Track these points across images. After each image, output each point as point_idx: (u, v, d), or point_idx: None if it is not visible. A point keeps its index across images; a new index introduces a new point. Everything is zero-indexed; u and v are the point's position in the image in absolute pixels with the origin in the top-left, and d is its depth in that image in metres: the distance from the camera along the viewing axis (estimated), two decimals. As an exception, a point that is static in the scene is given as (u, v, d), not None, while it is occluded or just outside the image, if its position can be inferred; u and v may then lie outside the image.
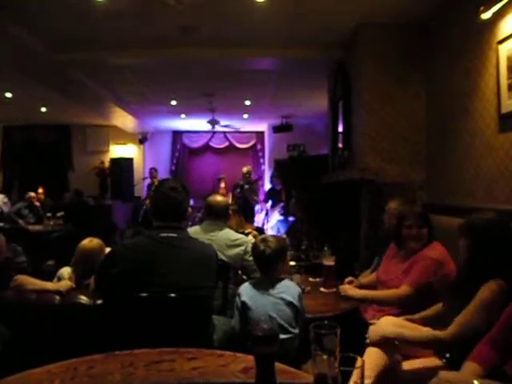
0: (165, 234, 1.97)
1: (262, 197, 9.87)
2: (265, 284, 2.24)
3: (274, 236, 2.48)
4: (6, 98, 6.96)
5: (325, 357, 1.22)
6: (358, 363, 1.09)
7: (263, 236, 2.41)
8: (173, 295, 1.86)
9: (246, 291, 2.25)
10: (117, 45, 4.89)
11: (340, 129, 5.09)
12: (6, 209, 7.55)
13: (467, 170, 3.38)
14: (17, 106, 7.71)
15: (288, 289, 2.22)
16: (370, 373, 1.80)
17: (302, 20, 4.19)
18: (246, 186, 8.07)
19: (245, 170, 8.16)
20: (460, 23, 3.47)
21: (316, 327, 1.21)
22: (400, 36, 4.18)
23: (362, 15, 4.06)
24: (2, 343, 2.29)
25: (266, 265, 2.28)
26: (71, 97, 6.91)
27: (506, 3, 2.73)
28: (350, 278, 2.92)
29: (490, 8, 2.80)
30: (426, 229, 2.51)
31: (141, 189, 9.87)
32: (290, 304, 2.16)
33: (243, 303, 2.20)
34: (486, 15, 2.78)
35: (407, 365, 1.88)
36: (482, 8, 2.86)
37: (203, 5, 3.83)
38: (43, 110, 8.26)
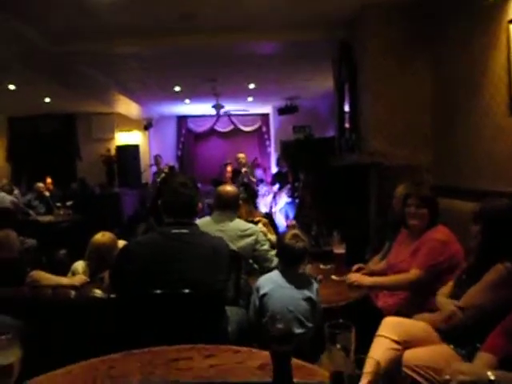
0: (176, 231, 1.99)
1: (268, 179, 9.87)
2: (286, 278, 2.25)
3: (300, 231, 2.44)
4: (10, 90, 6.94)
5: (341, 354, 1.25)
6: (372, 365, 1.10)
7: (294, 231, 2.37)
8: (186, 291, 1.88)
9: (266, 283, 2.26)
10: (118, 34, 4.86)
11: (346, 108, 5.04)
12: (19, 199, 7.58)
13: (476, 151, 3.35)
14: (20, 97, 7.69)
15: (308, 284, 2.24)
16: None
17: (304, 1, 4.11)
18: (244, 169, 8.20)
19: (241, 156, 8.48)
20: (469, 3, 3.38)
21: (331, 326, 1.22)
22: (405, 16, 4.09)
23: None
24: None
25: (293, 260, 2.27)
26: (74, 87, 6.89)
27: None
28: (358, 266, 2.93)
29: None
30: (425, 209, 2.53)
31: (148, 176, 9.90)
32: (308, 299, 2.18)
33: (263, 295, 2.22)
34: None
35: (411, 353, 1.90)
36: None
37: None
38: (47, 100, 8.24)
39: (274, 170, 10.35)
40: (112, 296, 2.37)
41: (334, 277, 2.80)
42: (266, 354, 1.42)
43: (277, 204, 8.39)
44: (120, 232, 5.41)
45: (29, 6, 3.97)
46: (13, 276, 2.71)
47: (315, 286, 2.26)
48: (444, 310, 1.96)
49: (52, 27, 4.58)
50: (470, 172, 3.43)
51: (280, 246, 2.34)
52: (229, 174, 8.58)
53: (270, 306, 2.18)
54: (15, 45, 4.64)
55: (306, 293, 2.19)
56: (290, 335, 1.21)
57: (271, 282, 2.25)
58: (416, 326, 2.03)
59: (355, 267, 2.91)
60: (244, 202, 3.36)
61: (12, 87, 6.84)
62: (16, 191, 7.92)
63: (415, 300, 2.42)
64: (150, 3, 4.01)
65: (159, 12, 4.26)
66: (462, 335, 1.83)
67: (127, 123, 10.47)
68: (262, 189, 8.98)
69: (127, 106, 9.08)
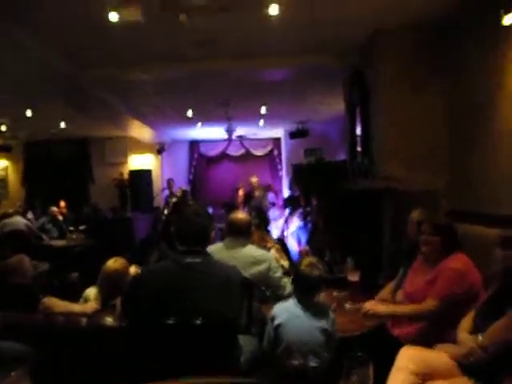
0: (190, 260, 1.97)
1: (280, 203, 9.85)
2: (302, 307, 2.20)
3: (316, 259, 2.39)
4: (27, 116, 7.08)
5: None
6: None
7: (310, 259, 2.33)
8: (199, 321, 1.85)
9: (281, 312, 2.22)
10: (133, 61, 4.98)
11: (358, 131, 5.05)
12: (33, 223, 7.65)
13: (494, 175, 3.30)
14: (37, 122, 7.84)
15: (324, 314, 2.20)
16: None
17: (317, 29, 4.17)
18: (257, 193, 8.22)
19: (253, 180, 8.57)
20: (486, 22, 3.37)
21: (348, 360, 1.19)
22: (419, 40, 4.13)
23: (378, 21, 4.03)
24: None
25: (309, 289, 2.24)
26: (89, 112, 6.99)
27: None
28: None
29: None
30: (437, 237, 2.47)
31: (160, 200, 9.94)
32: (324, 330, 2.13)
33: (278, 325, 2.17)
34: (507, 20, 2.71)
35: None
36: (502, 11, 2.79)
37: (218, 19, 3.85)
38: (62, 125, 8.38)
39: (286, 193, 10.34)
40: (123, 324, 2.35)
41: (348, 305, 2.74)
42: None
43: (288, 228, 8.35)
44: (132, 256, 5.40)
45: (46, 33, 4.09)
46: (25, 302, 2.71)
47: (331, 316, 2.21)
48: (465, 347, 1.89)
49: (68, 54, 4.70)
50: (488, 196, 3.37)
51: (295, 274, 2.30)
52: (240, 198, 8.60)
53: (285, 336, 2.13)
54: (33, 71, 4.75)
55: (322, 324, 2.14)
56: (306, 373, 1.18)
57: (286, 312, 2.20)
58: (436, 357, 1.96)
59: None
60: (256, 228, 3.34)
61: (29, 113, 6.99)
62: (30, 215, 8.01)
63: (432, 330, 2.34)
64: (164, 31, 4.10)
65: (173, 39, 4.35)
66: (483, 369, 1.76)
67: (140, 147, 10.58)
68: (274, 213, 8.96)
69: (140, 130, 9.20)
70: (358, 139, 5.04)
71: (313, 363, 1.99)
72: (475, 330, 1.94)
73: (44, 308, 2.63)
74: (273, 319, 2.21)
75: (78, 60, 4.91)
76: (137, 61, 5.00)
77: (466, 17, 3.72)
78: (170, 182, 9.29)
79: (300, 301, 2.24)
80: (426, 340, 2.21)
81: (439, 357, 1.95)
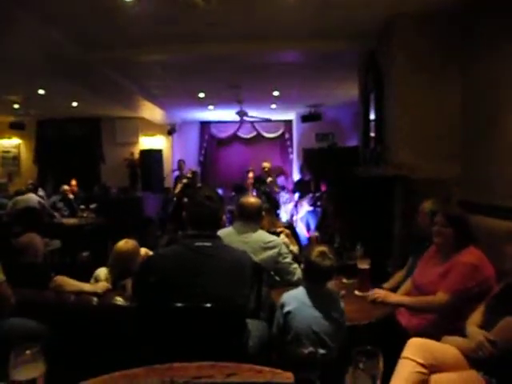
0: (200, 243, 1.98)
1: (290, 186, 9.83)
2: (311, 296, 2.19)
3: (328, 247, 2.32)
4: (39, 94, 7.10)
5: (365, 377, 1.21)
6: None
7: (321, 248, 2.26)
8: (208, 305, 1.86)
9: (290, 300, 2.20)
10: (144, 42, 4.92)
11: (372, 117, 4.98)
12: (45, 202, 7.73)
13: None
14: (49, 101, 7.88)
15: (333, 303, 2.19)
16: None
17: (331, 12, 4.08)
18: (269, 179, 8.19)
19: (266, 165, 8.59)
20: (503, 10, 3.29)
21: (358, 353, 1.19)
22: (434, 26, 4.02)
23: (394, 5, 3.92)
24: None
25: (319, 278, 2.21)
26: (100, 92, 7.00)
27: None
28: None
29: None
30: (450, 229, 2.42)
31: (171, 180, 9.98)
32: (333, 319, 2.13)
33: (287, 313, 2.17)
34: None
35: (438, 378, 1.83)
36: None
37: (230, 1, 3.79)
38: (74, 104, 8.41)
39: (296, 177, 10.32)
40: (133, 304, 2.38)
41: (357, 292, 2.74)
42: (289, 375, 1.39)
43: (298, 212, 8.35)
44: (140, 236, 5.44)
45: (58, 14, 4.05)
46: (37, 280, 2.75)
47: (341, 305, 2.20)
48: (473, 341, 1.88)
49: (80, 35, 4.67)
50: (505, 187, 3.30)
51: (306, 263, 2.27)
52: (250, 181, 8.58)
53: (294, 324, 2.13)
54: (45, 51, 4.73)
55: (332, 313, 2.13)
56: (315, 362, 1.18)
57: (296, 300, 2.19)
58: (444, 349, 1.94)
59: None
60: (267, 213, 3.33)
61: (41, 92, 7.01)
62: (41, 193, 8.08)
63: (441, 322, 2.32)
64: (176, 13, 4.04)
65: (185, 21, 4.28)
66: (492, 363, 1.76)
67: (151, 128, 10.58)
68: (283, 196, 8.95)
69: (151, 111, 9.18)
70: (372, 126, 4.98)
71: (322, 351, 2.00)
72: (485, 324, 1.92)
73: (55, 286, 2.67)
74: (282, 306, 2.20)
75: (88, 41, 4.87)
76: (147, 42, 4.95)
77: (482, 5, 3.61)
78: (180, 163, 9.30)
79: (310, 290, 2.22)
80: (435, 332, 2.20)
81: (447, 349, 1.94)
